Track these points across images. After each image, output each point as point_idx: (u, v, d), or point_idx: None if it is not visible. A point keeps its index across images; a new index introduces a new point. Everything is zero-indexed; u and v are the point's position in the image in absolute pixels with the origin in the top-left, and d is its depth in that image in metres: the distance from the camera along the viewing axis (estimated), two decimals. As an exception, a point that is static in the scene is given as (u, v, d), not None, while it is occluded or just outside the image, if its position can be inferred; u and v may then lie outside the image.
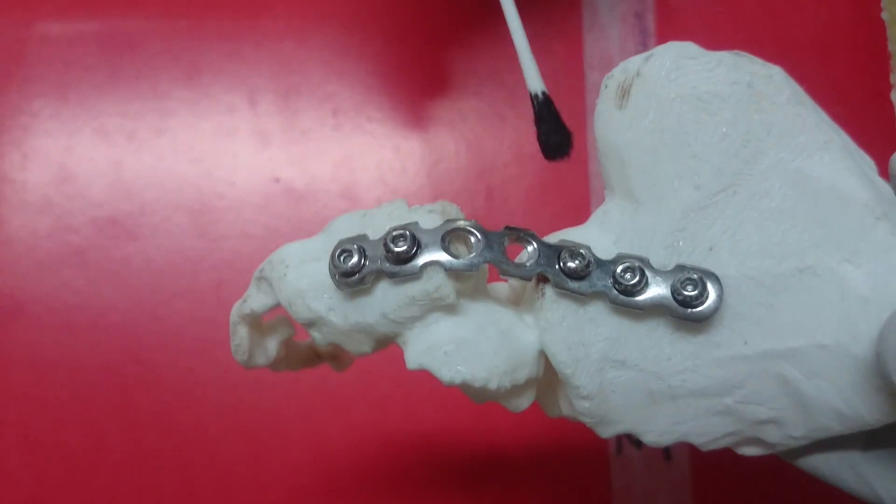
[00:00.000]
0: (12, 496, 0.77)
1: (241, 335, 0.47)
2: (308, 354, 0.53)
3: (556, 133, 0.52)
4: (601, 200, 0.45)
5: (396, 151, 0.85)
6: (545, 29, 0.87)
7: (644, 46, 0.85)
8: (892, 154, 0.45)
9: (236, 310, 0.47)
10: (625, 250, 0.42)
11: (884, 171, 0.44)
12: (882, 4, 0.76)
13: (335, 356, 0.53)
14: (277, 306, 0.45)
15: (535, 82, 0.53)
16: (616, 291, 0.40)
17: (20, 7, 0.88)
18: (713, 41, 0.85)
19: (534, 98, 0.53)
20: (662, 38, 0.85)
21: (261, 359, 0.49)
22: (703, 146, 0.41)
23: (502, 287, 0.47)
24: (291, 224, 0.83)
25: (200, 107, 0.86)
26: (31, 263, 0.82)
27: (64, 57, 0.87)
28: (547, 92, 0.52)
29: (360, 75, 0.87)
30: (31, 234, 0.82)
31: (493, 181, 0.83)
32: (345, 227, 0.43)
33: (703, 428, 0.43)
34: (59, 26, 0.88)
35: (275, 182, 0.84)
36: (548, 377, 0.44)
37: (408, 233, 0.40)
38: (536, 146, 0.81)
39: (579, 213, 0.81)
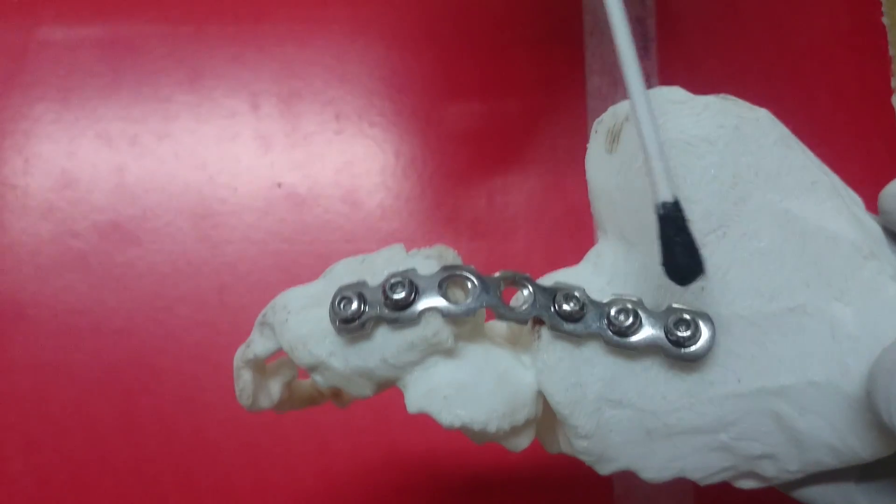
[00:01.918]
0: (15, 501, 0.78)
1: (245, 379, 0.48)
2: (311, 394, 0.54)
3: (686, 255, 0.41)
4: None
5: (398, 156, 0.85)
6: (547, 32, 0.88)
7: (645, 51, 0.86)
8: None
9: (240, 355, 0.48)
10: (618, 291, 0.43)
11: (872, 203, 0.45)
12: (883, 9, 0.76)
13: (337, 394, 0.54)
14: (280, 350, 0.46)
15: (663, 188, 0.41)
16: (610, 332, 0.42)
17: (22, 12, 0.89)
18: (713, 46, 0.86)
19: (660, 207, 0.40)
20: (663, 43, 0.86)
21: (265, 402, 0.50)
22: (692, 188, 0.42)
23: (500, 326, 0.48)
24: (293, 229, 0.83)
25: (202, 111, 0.87)
26: (33, 268, 0.82)
27: (66, 61, 0.88)
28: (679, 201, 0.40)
29: (363, 80, 0.88)
30: (33, 238, 0.83)
31: (495, 186, 0.84)
32: (344, 273, 0.45)
33: (700, 464, 0.44)
34: (62, 31, 0.89)
35: (277, 187, 0.84)
36: (547, 415, 0.46)
37: (406, 280, 0.41)
38: (539, 152, 0.82)
39: (581, 218, 0.82)
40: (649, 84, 0.81)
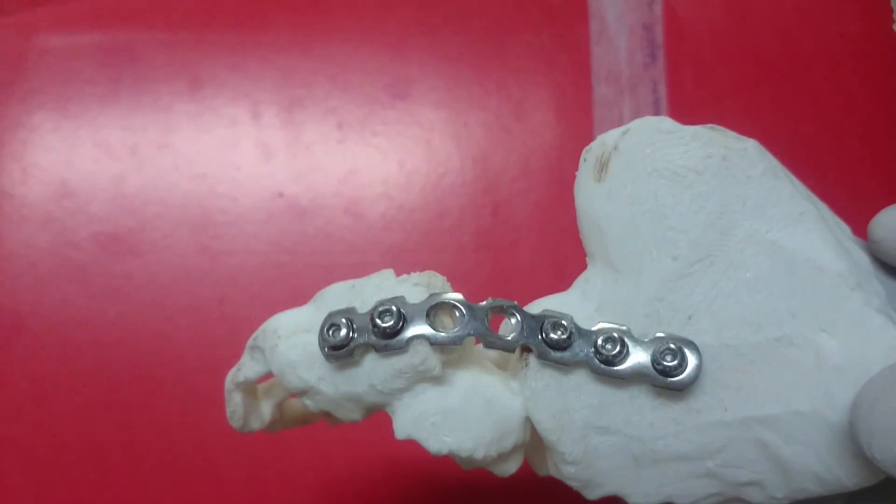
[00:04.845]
0: (14, 513, 0.80)
1: (235, 402, 0.50)
2: (303, 413, 0.56)
3: None
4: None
5: (401, 166, 0.87)
6: (552, 40, 0.89)
7: (652, 58, 0.86)
8: None
9: (231, 377, 0.50)
10: (606, 318, 0.45)
11: (880, 206, 0.46)
12: (893, 16, 0.77)
13: (329, 413, 0.56)
14: (270, 374, 0.48)
15: None
16: (597, 361, 0.43)
17: (20, 19, 0.90)
18: (721, 53, 0.87)
19: None
20: (671, 50, 0.87)
21: (256, 423, 0.52)
22: (679, 218, 0.44)
23: (489, 350, 0.50)
24: (295, 239, 0.85)
25: (203, 120, 0.88)
26: (32, 279, 0.84)
27: (65, 70, 0.89)
28: None
29: (365, 88, 0.89)
30: (31, 249, 0.84)
31: (500, 196, 0.85)
32: (334, 298, 0.47)
33: (687, 490, 0.46)
34: (60, 39, 0.90)
35: (278, 196, 0.86)
36: (536, 439, 0.47)
37: (394, 308, 0.43)
38: (544, 161, 0.83)
39: (586, 230, 0.83)
40: (657, 90, 0.83)
